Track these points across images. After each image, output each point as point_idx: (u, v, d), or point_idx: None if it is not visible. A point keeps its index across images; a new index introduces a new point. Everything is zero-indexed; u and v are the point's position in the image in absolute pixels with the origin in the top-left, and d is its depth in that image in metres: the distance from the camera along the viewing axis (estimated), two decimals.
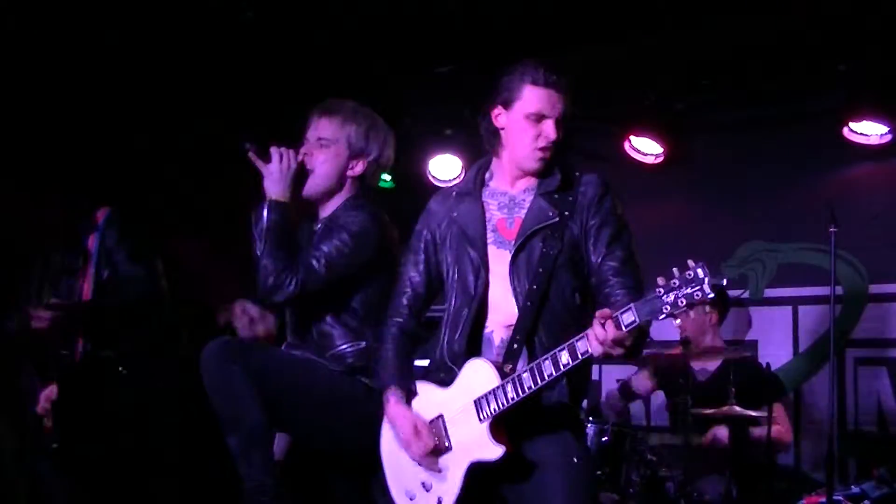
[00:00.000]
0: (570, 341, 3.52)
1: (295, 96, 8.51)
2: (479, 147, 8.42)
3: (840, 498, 5.59)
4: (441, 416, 3.86)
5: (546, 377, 3.58)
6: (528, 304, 3.78)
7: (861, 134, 6.80)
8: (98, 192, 5.90)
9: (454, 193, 4.18)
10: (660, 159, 7.45)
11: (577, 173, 4.01)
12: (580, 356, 3.51)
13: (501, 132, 4.08)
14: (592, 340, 3.46)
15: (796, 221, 7.12)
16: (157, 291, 5.61)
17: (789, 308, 7.17)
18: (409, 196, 8.56)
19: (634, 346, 3.53)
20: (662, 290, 3.35)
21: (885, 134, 6.75)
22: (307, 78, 8.18)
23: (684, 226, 7.27)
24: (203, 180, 7.80)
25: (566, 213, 3.88)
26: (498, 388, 3.68)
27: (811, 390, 7.00)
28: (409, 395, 3.98)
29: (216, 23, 7.19)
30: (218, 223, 7.13)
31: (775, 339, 7.18)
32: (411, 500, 3.95)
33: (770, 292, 7.28)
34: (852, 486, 5.83)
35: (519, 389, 3.64)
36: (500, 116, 4.09)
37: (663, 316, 3.35)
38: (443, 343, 3.97)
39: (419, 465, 3.90)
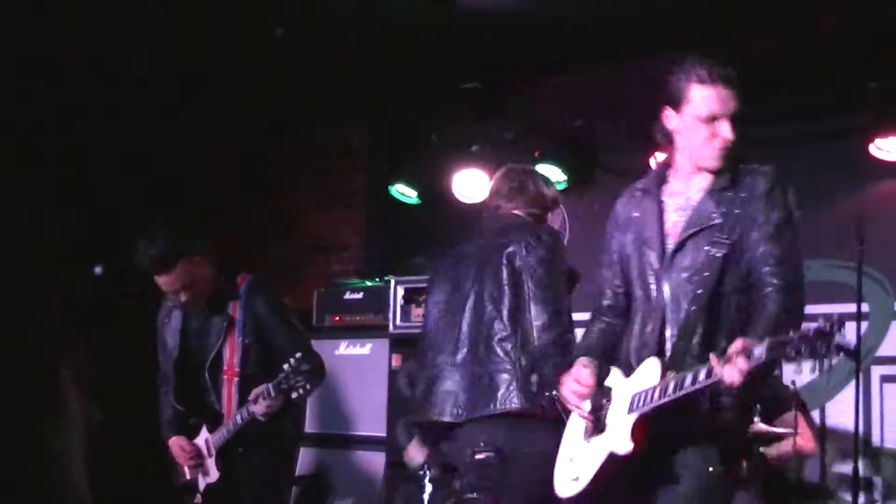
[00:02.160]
0: (710, 365, 3.51)
1: (324, 112, 8.61)
2: (504, 163, 8.52)
3: None
4: (609, 399, 3.90)
5: (684, 389, 3.60)
6: (693, 308, 3.78)
7: (888, 151, 6.78)
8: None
9: (637, 191, 4.17)
10: None
11: (754, 166, 3.97)
12: (713, 377, 3.49)
13: (674, 134, 4.04)
14: (719, 368, 3.46)
15: (824, 238, 7.10)
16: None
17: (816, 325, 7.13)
18: (435, 213, 8.60)
19: (759, 378, 3.56)
20: (795, 337, 3.33)
21: None
22: (333, 95, 8.24)
23: None
24: None
25: (735, 211, 3.84)
26: (653, 388, 3.72)
27: (837, 409, 6.97)
28: (598, 369, 4.01)
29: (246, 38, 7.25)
30: None
31: None
32: (566, 465, 4.02)
33: None
34: None
35: (662, 394, 3.68)
36: (670, 119, 4.04)
37: (787, 361, 3.37)
38: (628, 348, 4.01)
39: (580, 436, 3.97)
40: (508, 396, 4.69)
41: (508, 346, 4.72)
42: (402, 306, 7.91)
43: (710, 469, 3.74)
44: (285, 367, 5.27)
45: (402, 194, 8.63)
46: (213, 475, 5.67)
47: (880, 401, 6.80)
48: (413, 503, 7.27)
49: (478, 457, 4.68)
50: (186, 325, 5.84)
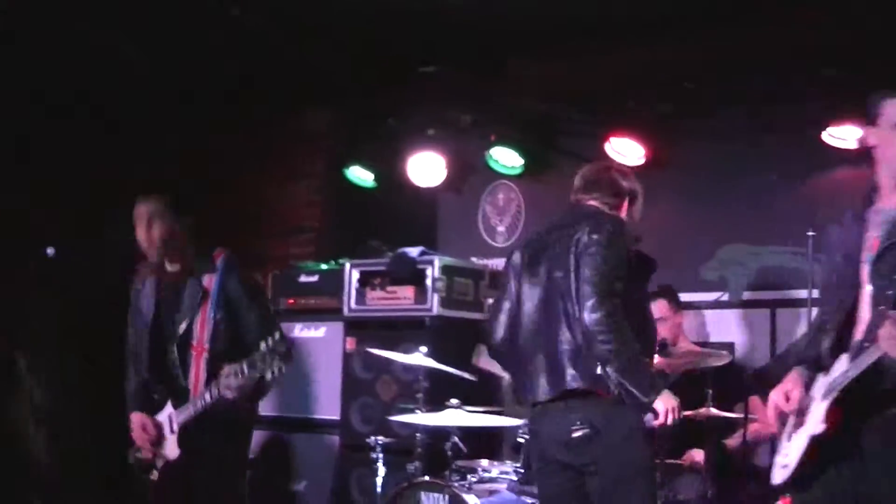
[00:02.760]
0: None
1: (284, 96, 8.57)
2: (461, 147, 8.54)
3: None
4: (812, 395, 4.12)
5: (858, 368, 3.89)
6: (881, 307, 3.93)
7: (840, 139, 6.83)
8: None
9: (849, 216, 4.30)
10: (642, 161, 7.47)
11: None
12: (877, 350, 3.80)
13: (874, 150, 4.16)
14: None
15: (777, 225, 7.16)
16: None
17: (767, 311, 7.21)
18: (391, 196, 8.60)
19: None
20: None
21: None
22: (292, 80, 8.22)
23: (666, 228, 7.29)
24: None
25: None
26: (843, 372, 3.97)
27: None
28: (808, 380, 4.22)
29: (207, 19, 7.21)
30: None
31: (753, 341, 7.22)
32: (778, 459, 4.24)
33: (749, 295, 7.32)
34: None
35: (843, 377, 3.95)
36: (869, 136, 4.19)
37: None
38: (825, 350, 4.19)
39: (787, 435, 4.21)
40: (573, 376, 4.83)
41: (571, 328, 4.83)
42: (357, 289, 7.91)
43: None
44: (262, 346, 5.22)
45: (359, 177, 8.62)
46: (173, 453, 5.62)
47: None
48: (366, 486, 7.31)
49: (575, 434, 4.77)
50: (159, 296, 5.81)
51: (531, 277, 5.10)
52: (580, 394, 4.83)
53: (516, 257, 5.21)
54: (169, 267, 5.73)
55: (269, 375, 5.24)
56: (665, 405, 4.71)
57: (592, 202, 5.19)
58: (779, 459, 4.24)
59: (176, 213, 5.65)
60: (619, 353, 4.67)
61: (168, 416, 5.65)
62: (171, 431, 5.63)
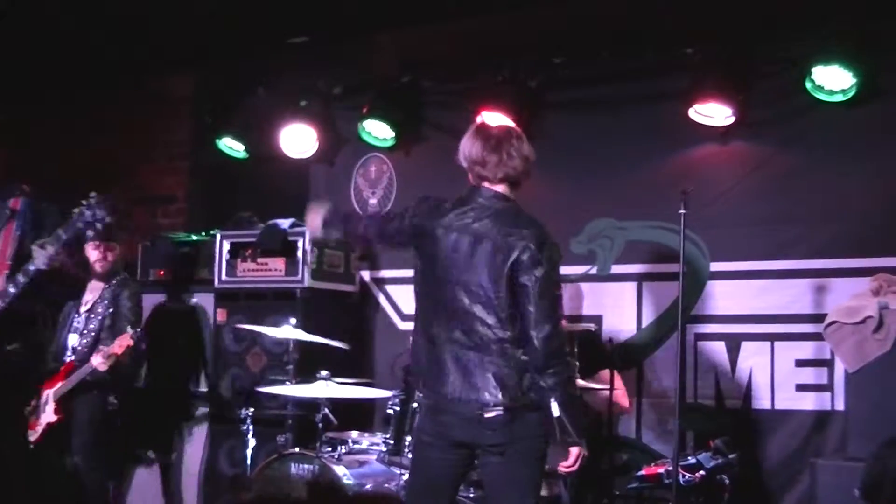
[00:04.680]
0: None
1: (148, 60, 8.46)
2: (332, 119, 8.51)
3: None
4: None
5: None
6: None
7: (706, 116, 6.97)
8: None
9: None
10: None
11: None
12: None
13: None
14: None
15: (645, 200, 7.26)
16: None
17: (634, 284, 7.33)
18: (262, 166, 8.56)
19: None
20: None
21: (729, 116, 6.94)
22: (162, 47, 8.11)
23: (534, 201, 7.29)
24: None
25: None
26: None
27: (652, 365, 7.17)
28: None
29: None
30: None
31: (620, 313, 7.34)
32: None
33: (616, 268, 7.42)
34: (689, 457, 6.03)
35: None
36: None
37: None
38: None
39: None
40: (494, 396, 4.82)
41: (501, 344, 4.79)
42: (227, 261, 7.86)
43: None
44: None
45: (230, 148, 8.56)
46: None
47: (694, 357, 7.01)
48: (237, 457, 7.30)
49: (487, 415, 4.66)
50: None
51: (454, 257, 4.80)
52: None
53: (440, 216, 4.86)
54: None
55: None
56: (579, 451, 4.74)
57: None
58: None
59: None
60: (566, 386, 4.66)
61: None
62: None
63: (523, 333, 4.64)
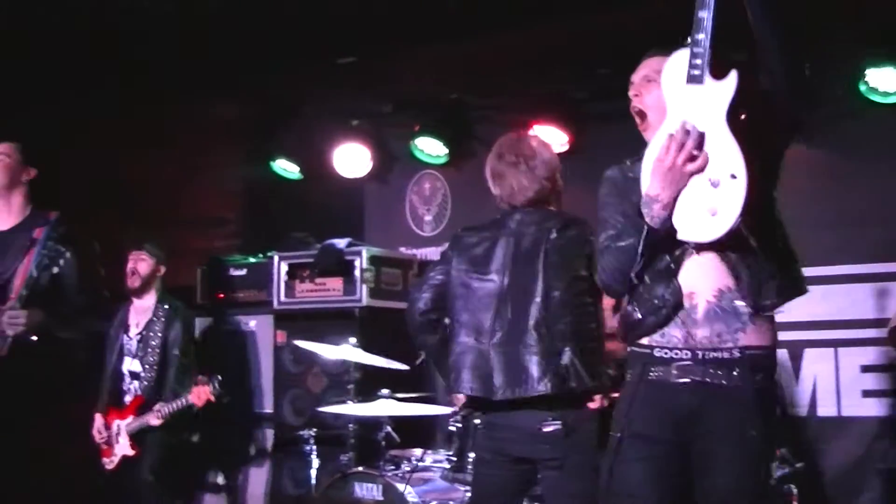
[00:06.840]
0: None
1: (199, 85, 8.50)
2: (385, 137, 8.52)
3: None
4: None
5: None
6: None
7: None
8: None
9: None
10: (565, 148, 7.51)
11: None
12: None
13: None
14: None
15: None
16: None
17: None
18: (315, 186, 8.60)
19: None
20: None
21: None
22: (212, 65, 8.15)
23: (586, 214, 7.32)
24: None
25: None
26: None
27: None
28: None
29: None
30: None
31: None
32: None
33: None
34: None
35: None
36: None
37: None
38: None
39: None
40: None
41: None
42: (285, 282, 7.90)
43: None
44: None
45: (284, 169, 8.62)
46: None
47: None
48: (300, 478, 7.32)
49: (546, 429, 4.68)
50: None
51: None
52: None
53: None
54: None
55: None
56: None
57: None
58: None
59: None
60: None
61: None
62: None
63: None
